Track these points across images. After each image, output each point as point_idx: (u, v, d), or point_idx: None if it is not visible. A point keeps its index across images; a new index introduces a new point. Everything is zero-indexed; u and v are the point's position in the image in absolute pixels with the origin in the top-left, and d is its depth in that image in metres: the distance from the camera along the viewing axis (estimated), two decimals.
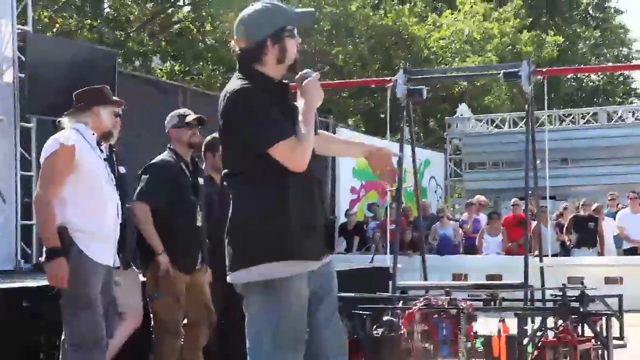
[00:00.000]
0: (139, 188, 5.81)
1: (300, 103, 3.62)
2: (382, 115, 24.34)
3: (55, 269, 4.48)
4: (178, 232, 5.75)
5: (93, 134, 4.85)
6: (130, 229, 5.65)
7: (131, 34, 21.19)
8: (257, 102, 3.53)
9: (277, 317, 3.54)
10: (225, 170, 3.69)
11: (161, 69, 22.96)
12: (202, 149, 6.59)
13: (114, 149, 5.59)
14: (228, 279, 3.65)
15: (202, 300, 5.96)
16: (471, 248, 15.40)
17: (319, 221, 3.69)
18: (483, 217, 15.83)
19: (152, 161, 5.97)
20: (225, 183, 3.71)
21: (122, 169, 5.65)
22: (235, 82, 3.62)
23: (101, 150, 4.93)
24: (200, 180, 6.06)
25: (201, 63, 21.89)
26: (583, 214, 14.96)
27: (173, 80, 19.15)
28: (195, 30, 21.91)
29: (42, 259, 4.61)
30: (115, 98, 5.11)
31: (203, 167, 6.59)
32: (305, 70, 3.69)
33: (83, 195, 4.67)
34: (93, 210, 4.70)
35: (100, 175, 4.79)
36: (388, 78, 8.88)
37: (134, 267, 5.80)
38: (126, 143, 10.46)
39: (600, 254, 14.60)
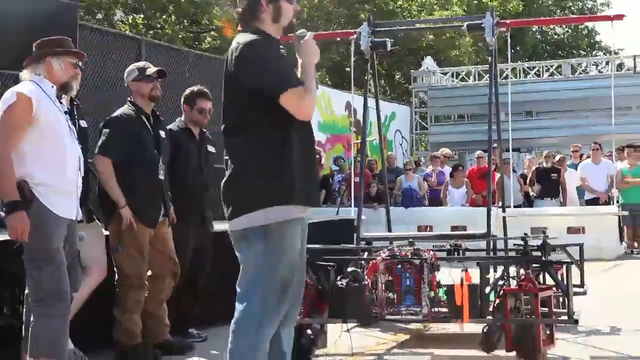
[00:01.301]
0: (100, 141, 5.77)
1: (299, 61, 3.86)
2: (348, 69, 24.25)
3: (15, 222, 4.45)
4: (140, 185, 5.74)
5: (52, 87, 4.78)
6: (93, 182, 5.62)
7: None
8: (269, 51, 3.75)
9: (271, 265, 3.70)
10: (227, 123, 3.83)
11: (124, 22, 22.63)
12: (181, 102, 6.63)
13: (75, 102, 5.52)
14: (228, 227, 3.80)
15: (166, 252, 5.97)
16: (436, 200, 15.53)
17: (314, 172, 4.00)
18: (447, 170, 15.95)
19: (113, 115, 5.93)
20: (224, 135, 3.83)
21: (83, 123, 5.58)
22: (245, 36, 3.81)
23: (61, 103, 4.87)
24: (162, 134, 6.04)
25: (164, 16, 21.60)
26: (546, 166, 15.12)
27: (136, 34, 18.89)
28: None
29: (3, 213, 4.58)
30: (72, 49, 5.01)
31: (183, 118, 6.62)
32: (300, 30, 3.91)
33: (43, 148, 4.62)
34: (54, 164, 4.65)
35: (61, 128, 4.73)
36: (352, 30, 8.83)
37: (97, 221, 5.78)
38: (88, 96, 10.38)
39: (563, 204, 14.81)
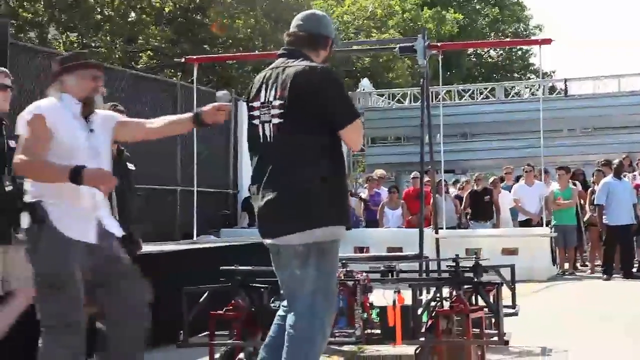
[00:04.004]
0: None
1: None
2: None
3: (93, 174, 4.22)
4: None
5: None
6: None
7: (25, 4, 20.48)
8: (341, 83, 4.17)
9: (330, 276, 4.13)
10: (292, 140, 4.03)
11: (58, 40, 22.30)
12: None
13: (3, 122, 5.40)
14: (291, 238, 4.07)
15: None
16: (372, 221, 15.59)
17: None
18: (384, 191, 16.04)
19: None
20: (286, 149, 4.04)
21: (12, 143, 5.44)
22: (307, 62, 4.10)
23: None
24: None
25: (99, 34, 21.34)
26: (477, 189, 15.32)
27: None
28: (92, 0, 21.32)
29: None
30: None
31: None
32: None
33: None
34: None
35: None
36: None
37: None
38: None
39: (496, 225, 15.00)
